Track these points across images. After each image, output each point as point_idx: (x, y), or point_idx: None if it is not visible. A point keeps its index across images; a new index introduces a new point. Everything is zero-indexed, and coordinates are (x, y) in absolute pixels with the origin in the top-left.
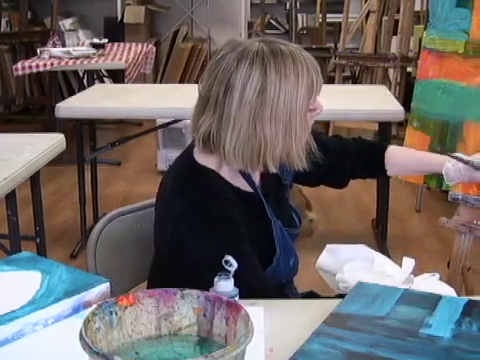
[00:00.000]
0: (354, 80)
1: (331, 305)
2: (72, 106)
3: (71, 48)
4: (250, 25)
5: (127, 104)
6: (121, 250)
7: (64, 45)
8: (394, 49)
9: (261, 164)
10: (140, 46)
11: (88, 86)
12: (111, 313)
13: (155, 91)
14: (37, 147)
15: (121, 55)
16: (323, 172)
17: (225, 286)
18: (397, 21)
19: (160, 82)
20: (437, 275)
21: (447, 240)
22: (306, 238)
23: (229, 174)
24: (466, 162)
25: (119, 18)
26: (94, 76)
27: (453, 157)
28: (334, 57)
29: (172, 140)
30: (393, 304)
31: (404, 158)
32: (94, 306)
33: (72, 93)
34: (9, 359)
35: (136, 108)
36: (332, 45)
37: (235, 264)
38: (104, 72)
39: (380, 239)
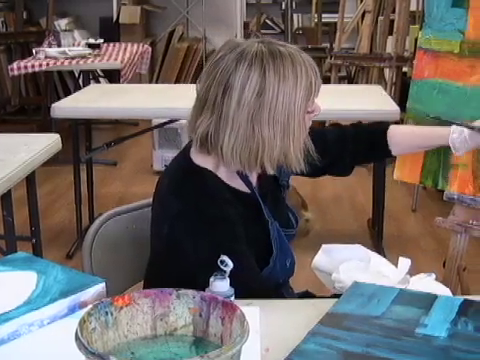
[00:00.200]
0: (350, 80)
1: (327, 305)
2: (68, 106)
3: (67, 48)
4: (246, 25)
5: (123, 104)
6: (117, 250)
7: (60, 45)
8: (390, 49)
9: (259, 165)
10: (136, 46)
11: (84, 86)
12: (107, 313)
13: (151, 91)
14: (33, 147)
15: (117, 55)
16: (325, 164)
17: (221, 286)
18: (393, 21)
19: (156, 82)
20: (433, 275)
21: (443, 240)
22: (302, 238)
23: (226, 175)
24: (471, 128)
25: (115, 18)
26: (90, 76)
27: (458, 124)
28: (330, 57)
29: (168, 140)
30: (389, 304)
31: (407, 135)
32: (90, 306)
33: (68, 93)
34: None
35: (132, 108)
36: (328, 45)
37: (231, 264)
38: (100, 72)
39: (376, 239)
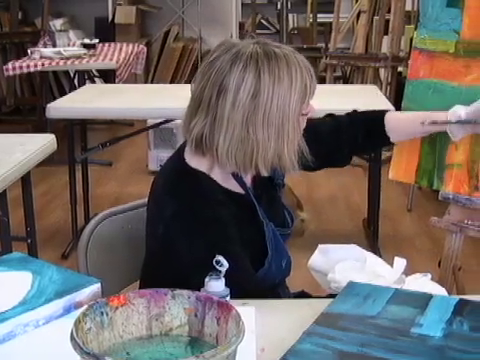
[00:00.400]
0: (345, 80)
1: (322, 305)
2: (63, 106)
3: (62, 48)
4: (241, 25)
5: (118, 104)
6: (112, 250)
7: (55, 45)
8: (385, 49)
9: (253, 167)
10: (131, 46)
11: (79, 86)
12: (102, 314)
13: (146, 91)
14: (28, 147)
15: (112, 55)
16: (321, 157)
17: (216, 286)
18: (388, 21)
19: (151, 82)
20: (429, 275)
21: (438, 239)
22: (297, 238)
23: (220, 176)
24: (468, 122)
25: (110, 18)
26: (85, 76)
27: (456, 123)
28: (325, 57)
29: (163, 140)
30: (384, 304)
31: (405, 121)
32: (85, 307)
33: (63, 93)
34: None
35: (127, 108)
36: (323, 45)
37: (226, 264)
38: (95, 72)
39: (371, 239)
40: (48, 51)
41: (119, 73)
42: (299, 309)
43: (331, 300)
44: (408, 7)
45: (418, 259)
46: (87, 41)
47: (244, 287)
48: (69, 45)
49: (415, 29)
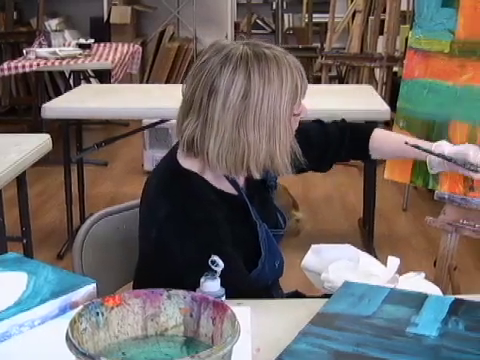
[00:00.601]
0: (340, 80)
1: (318, 305)
2: (58, 106)
3: (57, 48)
4: (236, 25)
5: (113, 104)
6: (107, 250)
7: (50, 45)
8: (380, 49)
9: (245, 170)
10: (126, 46)
11: (74, 86)
12: (97, 314)
13: (141, 91)
14: (23, 147)
15: (107, 55)
16: (309, 160)
17: (211, 286)
18: (383, 21)
19: (146, 82)
20: (422, 274)
21: (434, 239)
22: (293, 238)
23: (213, 177)
24: (449, 159)
25: (105, 18)
26: (80, 76)
27: (437, 155)
28: (320, 57)
29: (158, 140)
30: (379, 303)
31: (389, 144)
32: (80, 307)
33: (58, 93)
34: None
35: (122, 108)
36: (318, 45)
37: (221, 264)
38: (90, 72)
39: (367, 238)
40: (43, 51)
41: (114, 73)
42: (294, 309)
43: (326, 300)
44: (403, 7)
45: (413, 259)
46: (82, 41)
47: (237, 287)
48: (64, 45)
49: (410, 29)
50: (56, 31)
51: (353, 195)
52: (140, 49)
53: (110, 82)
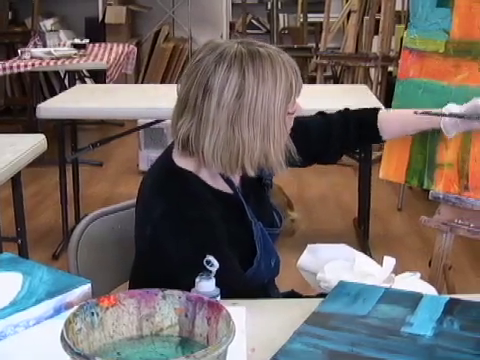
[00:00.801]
0: (335, 80)
1: (312, 304)
2: (53, 107)
3: (52, 48)
4: (232, 25)
5: (108, 104)
6: (103, 251)
7: (45, 45)
8: (375, 49)
9: (239, 168)
10: (121, 46)
11: (69, 86)
12: (92, 314)
13: (137, 91)
14: (18, 148)
15: (102, 55)
16: (311, 153)
17: (206, 286)
18: (378, 21)
19: (142, 82)
20: (418, 274)
21: (429, 239)
22: (288, 238)
23: (208, 176)
24: (461, 116)
25: (100, 18)
26: (75, 76)
27: (450, 116)
28: (315, 57)
29: (154, 140)
30: (374, 303)
31: (398, 119)
32: (75, 307)
33: (53, 93)
34: None
35: (117, 108)
36: (313, 45)
37: (216, 264)
38: (85, 72)
39: (362, 238)
40: (38, 51)
41: (109, 73)
42: (289, 309)
43: (321, 300)
44: (398, 7)
45: (408, 258)
46: (77, 41)
47: (233, 287)
48: (59, 45)
49: (405, 29)
50: (51, 31)
51: (348, 195)
52: (135, 49)
53: (105, 82)
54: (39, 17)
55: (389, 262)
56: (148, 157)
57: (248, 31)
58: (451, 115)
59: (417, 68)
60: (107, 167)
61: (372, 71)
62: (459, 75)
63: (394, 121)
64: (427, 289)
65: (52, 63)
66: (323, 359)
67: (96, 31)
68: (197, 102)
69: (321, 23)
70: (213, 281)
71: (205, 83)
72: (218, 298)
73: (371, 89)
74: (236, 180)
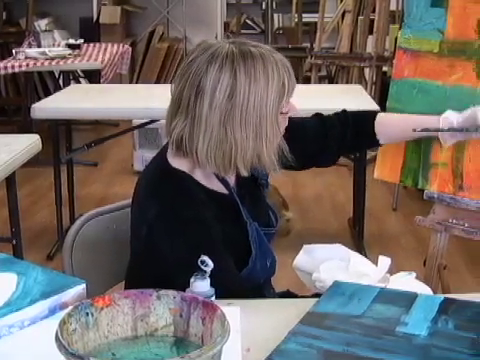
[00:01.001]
0: (330, 80)
1: (307, 304)
2: (48, 107)
3: (47, 49)
4: (226, 25)
5: (103, 105)
6: (97, 251)
7: (40, 46)
8: (370, 49)
9: (233, 168)
10: (116, 46)
11: (64, 87)
12: (87, 314)
13: (131, 91)
14: (13, 148)
15: (97, 55)
16: (307, 155)
17: (201, 286)
18: (373, 21)
19: (136, 82)
20: (413, 274)
21: (423, 238)
22: (283, 238)
23: (203, 176)
24: (460, 130)
25: (95, 18)
26: (70, 76)
27: (448, 130)
28: (310, 57)
29: (148, 140)
30: (369, 303)
31: (396, 125)
32: (70, 307)
33: (48, 94)
34: None
35: (112, 108)
36: (308, 45)
37: (211, 264)
38: (80, 72)
39: (357, 238)
40: (33, 51)
41: (104, 73)
42: (284, 309)
43: (316, 299)
44: (393, 7)
45: (403, 258)
46: (72, 41)
47: (228, 287)
48: (54, 45)
49: (400, 29)
50: (45, 31)
51: (343, 195)
52: (130, 49)
53: (100, 82)
54: (33, 17)
55: (384, 262)
56: (143, 157)
57: (243, 31)
58: (450, 130)
59: (412, 68)
60: (102, 167)
61: (367, 71)
62: (453, 75)
63: (392, 126)
64: (422, 289)
65: (46, 63)
66: (318, 359)
67: (91, 31)
68: (190, 103)
69: (316, 23)
70: (208, 281)
71: (197, 84)
72: (213, 298)
73: (366, 89)
74: (231, 180)
